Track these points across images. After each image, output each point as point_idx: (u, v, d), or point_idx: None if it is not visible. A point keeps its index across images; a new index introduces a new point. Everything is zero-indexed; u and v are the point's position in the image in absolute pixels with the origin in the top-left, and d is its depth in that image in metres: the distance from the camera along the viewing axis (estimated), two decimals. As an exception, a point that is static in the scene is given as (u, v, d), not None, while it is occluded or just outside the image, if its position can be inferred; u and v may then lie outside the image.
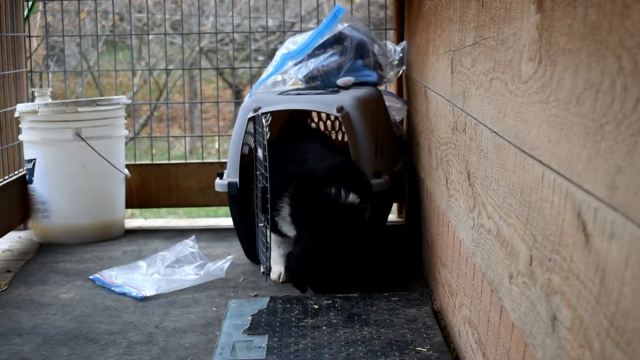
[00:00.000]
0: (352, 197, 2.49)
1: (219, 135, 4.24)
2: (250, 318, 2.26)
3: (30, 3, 3.65)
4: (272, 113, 2.77)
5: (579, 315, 1.04)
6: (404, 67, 3.36)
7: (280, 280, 2.69)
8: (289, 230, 2.57)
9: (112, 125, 3.35)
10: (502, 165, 1.52)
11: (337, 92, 2.93)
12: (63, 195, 3.27)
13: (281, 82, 3.11)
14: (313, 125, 3.47)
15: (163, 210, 5.81)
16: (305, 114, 3.33)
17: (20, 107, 3.28)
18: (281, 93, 2.95)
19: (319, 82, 3.08)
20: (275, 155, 2.58)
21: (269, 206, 2.52)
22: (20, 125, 3.34)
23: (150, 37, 7.31)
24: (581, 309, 1.03)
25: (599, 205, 0.97)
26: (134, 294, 2.57)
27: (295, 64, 3.10)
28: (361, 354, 1.98)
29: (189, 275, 2.72)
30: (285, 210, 2.53)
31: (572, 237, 1.08)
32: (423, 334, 2.12)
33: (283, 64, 3.12)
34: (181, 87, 8.66)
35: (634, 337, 0.85)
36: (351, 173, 2.59)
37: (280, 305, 2.36)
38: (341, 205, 2.47)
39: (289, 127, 3.16)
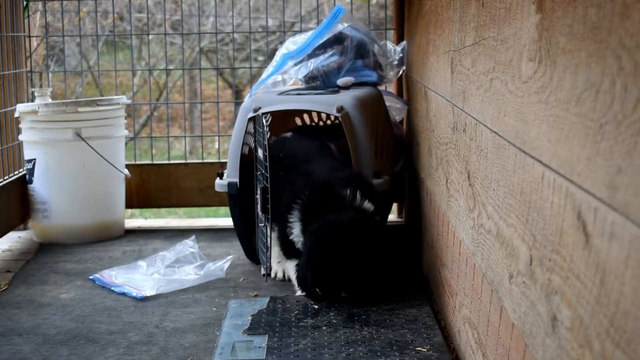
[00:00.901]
0: (367, 204, 2.42)
1: (219, 135, 4.24)
2: (250, 318, 2.26)
3: (25, 3, 3.65)
4: (272, 113, 2.76)
5: (579, 315, 1.04)
6: (404, 67, 3.36)
7: (279, 279, 2.70)
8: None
9: (112, 125, 3.35)
10: (502, 165, 1.52)
11: (337, 92, 2.93)
12: (63, 195, 3.27)
13: (281, 82, 3.11)
14: (311, 124, 3.46)
15: (163, 210, 5.81)
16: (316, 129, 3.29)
17: (20, 107, 3.27)
18: (281, 93, 2.95)
19: (319, 82, 3.08)
20: (284, 171, 2.55)
21: (269, 206, 2.52)
22: (20, 125, 3.34)
23: (150, 37, 7.31)
24: (581, 309, 1.03)
25: (599, 205, 0.97)
26: (134, 294, 2.57)
27: (295, 64, 3.10)
28: (361, 354, 1.98)
29: (189, 275, 2.72)
30: (297, 227, 2.45)
31: (572, 237, 1.07)
32: (423, 334, 2.12)
33: (283, 64, 3.12)
34: (181, 87, 8.66)
35: (634, 337, 0.85)
36: (363, 183, 2.53)
37: (280, 305, 2.36)
38: (356, 209, 2.39)
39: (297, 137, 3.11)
